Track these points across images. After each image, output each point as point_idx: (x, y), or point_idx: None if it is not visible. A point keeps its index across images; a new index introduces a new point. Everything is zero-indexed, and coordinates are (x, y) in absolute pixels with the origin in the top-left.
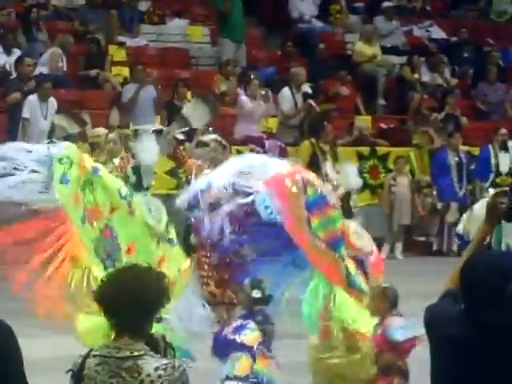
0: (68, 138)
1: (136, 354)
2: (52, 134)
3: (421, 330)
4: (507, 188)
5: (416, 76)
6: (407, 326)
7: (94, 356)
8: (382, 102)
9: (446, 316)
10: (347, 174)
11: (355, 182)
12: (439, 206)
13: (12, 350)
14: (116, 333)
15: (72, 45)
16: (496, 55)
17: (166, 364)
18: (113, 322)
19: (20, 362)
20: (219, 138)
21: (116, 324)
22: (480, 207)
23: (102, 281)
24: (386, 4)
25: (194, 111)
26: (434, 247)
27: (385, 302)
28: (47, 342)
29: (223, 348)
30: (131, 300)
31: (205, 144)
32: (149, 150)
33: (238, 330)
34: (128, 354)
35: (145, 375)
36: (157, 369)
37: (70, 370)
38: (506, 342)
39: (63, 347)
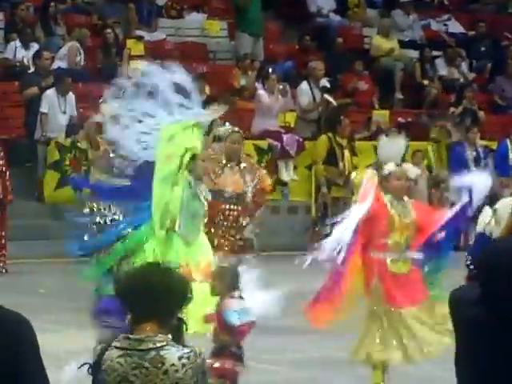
0: None
1: (158, 345)
2: (71, 128)
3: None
4: None
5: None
6: (244, 310)
7: (116, 348)
8: (399, 96)
9: (466, 298)
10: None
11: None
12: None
13: (30, 343)
14: (137, 324)
15: (88, 38)
16: None
17: (188, 352)
18: (135, 314)
19: (37, 356)
20: (236, 129)
21: (138, 316)
22: (503, 208)
23: (127, 275)
24: None
25: None
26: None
27: (222, 282)
28: (61, 335)
29: None
30: (156, 297)
31: (220, 139)
32: None
33: None
34: (151, 345)
35: (169, 365)
36: (180, 358)
37: (85, 363)
38: None
39: (77, 341)
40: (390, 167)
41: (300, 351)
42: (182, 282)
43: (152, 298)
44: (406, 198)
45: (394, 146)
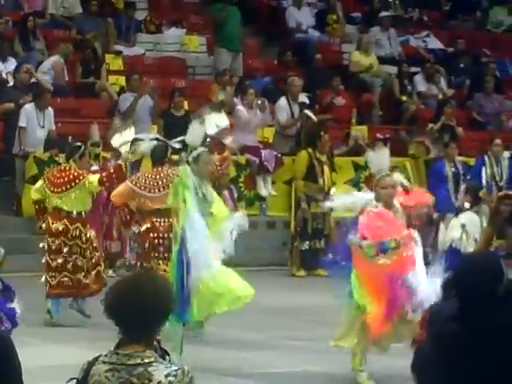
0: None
1: (147, 360)
2: (49, 143)
3: None
4: (511, 192)
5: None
6: None
7: (104, 362)
8: (378, 111)
9: (444, 313)
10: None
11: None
12: (435, 216)
13: (10, 360)
14: (125, 340)
15: (72, 53)
16: (492, 66)
17: (176, 370)
18: (125, 329)
19: (18, 372)
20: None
21: (128, 331)
22: (470, 222)
23: (112, 288)
24: (382, 14)
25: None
26: (430, 257)
27: None
28: (42, 350)
29: None
30: (147, 308)
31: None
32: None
33: None
34: (139, 361)
35: (156, 382)
36: (167, 375)
37: (73, 378)
38: (498, 341)
39: (59, 356)
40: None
41: (271, 366)
42: (168, 288)
43: (141, 309)
44: (396, 203)
45: (381, 157)
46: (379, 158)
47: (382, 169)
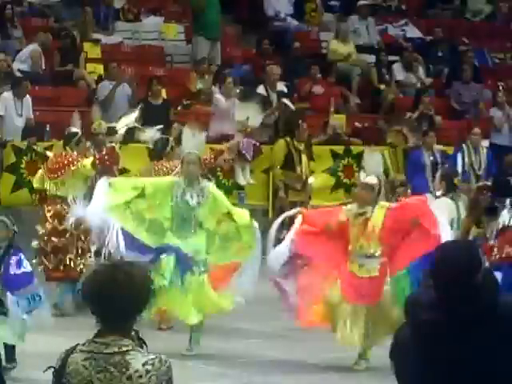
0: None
1: (124, 349)
2: (27, 131)
3: None
4: (489, 182)
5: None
6: None
7: (81, 351)
8: (356, 100)
9: (423, 302)
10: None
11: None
12: None
13: None
14: (103, 329)
15: (50, 42)
16: (471, 55)
17: (153, 359)
18: (102, 318)
19: None
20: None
21: (105, 321)
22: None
23: (89, 277)
24: (361, 3)
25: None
26: None
27: None
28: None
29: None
30: (123, 297)
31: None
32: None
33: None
34: (116, 349)
35: (133, 370)
36: (145, 364)
37: (51, 366)
38: (476, 329)
39: (40, 344)
40: (360, 178)
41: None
42: (146, 277)
43: (119, 299)
44: (368, 208)
45: (376, 161)
46: (374, 161)
47: (377, 173)
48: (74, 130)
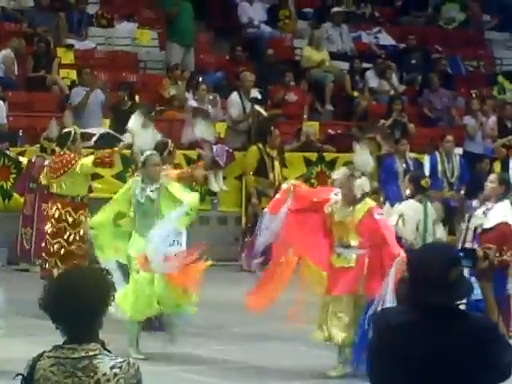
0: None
1: (91, 353)
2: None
3: None
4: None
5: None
6: None
7: (48, 357)
8: (329, 107)
9: (392, 311)
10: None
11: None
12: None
13: None
14: (69, 336)
15: (23, 47)
16: (444, 62)
17: (121, 362)
18: (66, 327)
19: None
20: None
21: (69, 329)
22: (407, 209)
23: (48, 287)
24: (334, 10)
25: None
26: None
27: None
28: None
29: None
30: (84, 303)
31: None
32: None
33: None
34: (83, 354)
35: (101, 374)
36: (112, 367)
37: (19, 374)
38: (451, 323)
39: (14, 349)
40: (336, 175)
41: (221, 360)
42: (105, 279)
43: (80, 305)
44: (350, 207)
45: (366, 157)
46: (364, 157)
47: (366, 169)
48: (67, 129)
